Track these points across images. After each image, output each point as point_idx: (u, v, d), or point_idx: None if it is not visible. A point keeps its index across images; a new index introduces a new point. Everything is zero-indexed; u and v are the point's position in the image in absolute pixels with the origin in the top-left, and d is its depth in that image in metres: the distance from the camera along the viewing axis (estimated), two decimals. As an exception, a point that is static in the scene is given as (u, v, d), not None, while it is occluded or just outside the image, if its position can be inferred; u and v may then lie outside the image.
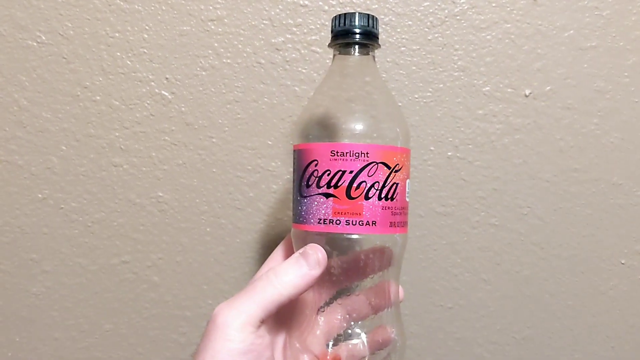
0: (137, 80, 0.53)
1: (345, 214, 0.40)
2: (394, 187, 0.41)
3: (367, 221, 0.40)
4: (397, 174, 0.41)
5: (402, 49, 0.54)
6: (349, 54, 0.42)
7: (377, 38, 0.43)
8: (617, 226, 0.56)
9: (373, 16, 0.42)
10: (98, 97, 0.53)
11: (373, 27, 0.42)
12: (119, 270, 0.54)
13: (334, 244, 0.40)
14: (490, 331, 0.56)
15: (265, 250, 0.54)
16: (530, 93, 0.55)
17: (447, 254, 0.56)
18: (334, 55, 0.43)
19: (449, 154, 0.55)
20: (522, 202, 0.55)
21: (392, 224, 0.41)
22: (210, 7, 0.53)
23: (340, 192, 0.40)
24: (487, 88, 0.54)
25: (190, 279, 0.55)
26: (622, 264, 0.57)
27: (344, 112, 0.42)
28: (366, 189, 0.40)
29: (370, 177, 0.40)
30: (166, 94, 0.53)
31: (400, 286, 0.44)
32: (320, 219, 0.40)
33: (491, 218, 0.55)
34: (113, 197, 0.54)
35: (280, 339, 0.41)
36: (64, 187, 0.54)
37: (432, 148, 0.54)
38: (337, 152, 0.39)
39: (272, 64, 0.53)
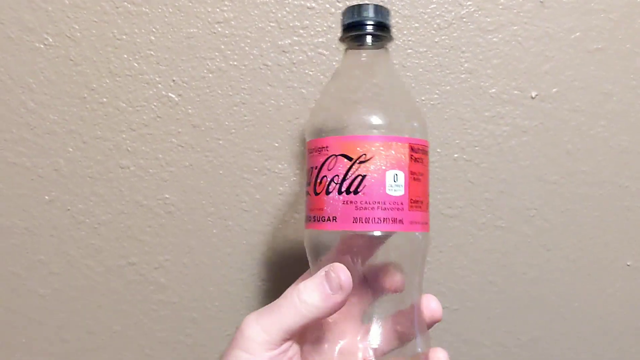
0: (144, 83, 0.53)
1: (314, 210, 0.40)
2: (357, 179, 0.38)
3: (328, 217, 0.39)
4: (362, 165, 0.38)
5: (409, 51, 0.54)
6: (361, 47, 0.41)
7: (390, 30, 0.42)
8: (623, 228, 0.56)
9: (385, 7, 0.41)
10: (105, 99, 0.53)
11: (386, 18, 0.41)
12: (126, 271, 0.54)
13: (313, 243, 0.40)
14: (497, 333, 0.57)
15: (272, 253, 0.54)
16: (537, 95, 0.55)
17: (453, 255, 0.56)
18: (345, 50, 0.42)
19: (456, 155, 0.55)
20: (529, 204, 0.55)
21: (356, 220, 0.38)
22: (217, 10, 0.53)
23: (311, 188, 0.40)
24: (494, 90, 0.54)
25: (197, 281, 0.55)
26: (628, 265, 0.57)
27: (323, 110, 0.42)
28: (327, 183, 0.39)
29: (329, 171, 0.39)
30: (173, 96, 0.53)
31: (433, 300, 0.42)
32: (305, 217, 0.41)
33: (498, 220, 0.55)
34: (120, 198, 0.54)
35: (312, 350, 0.41)
36: (71, 189, 0.54)
37: (438, 150, 0.54)
38: (310, 149, 0.40)
39: (279, 66, 0.53)
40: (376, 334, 0.39)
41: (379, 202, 0.38)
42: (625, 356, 0.57)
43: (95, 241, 0.54)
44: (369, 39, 0.41)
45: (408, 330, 0.40)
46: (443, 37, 0.54)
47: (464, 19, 0.54)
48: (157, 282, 0.55)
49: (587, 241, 0.56)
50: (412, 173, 0.39)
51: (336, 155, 0.39)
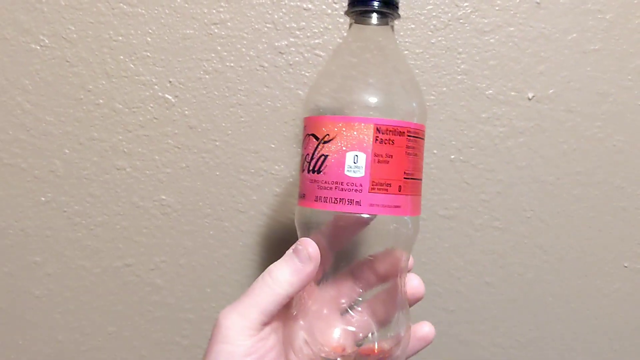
0: (140, 84, 0.53)
1: (299, 187, 0.41)
2: (321, 159, 0.39)
3: (302, 194, 0.40)
4: (325, 145, 0.38)
5: (405, 52, 0.54)
6: (366, 22, 0.41)
7: (398, 7, 0.41)
8: (620, 229, 0.56)
9: None
10: (101, 101, 0.53)
11: None
12: (122, 273, 0.54)
13: (297, 219, 0.42)
14: (494, 334, 0.56)
15: (268, 254, 0.54)
16: (534, 96, 0.55)
17: (450, 256, 0.56)
18: (350, 24, 0.42)
19: (452, 157, 0.55)
20: (525, 205, 0.55)
21: (317, 199, 0.39)
22: (214, 11, 0.53)
23: (299, 166, 0.41)
24: (491, 91, 0.54)
25: (193, 282, 0.55)
26: (625, 267, 0.57)
27: (310, 88, 0.42)
28: (302, 162, 0.40)
29: (305, 150, 0.40)
30: (169, 97, 0.53)
31: (415, 278, 0.42)
32: None
33: (494, 221, 0.55)
34: (116, 200, 0.54)
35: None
36: (67, 190, 0.54)
37: (435, 151, 0.54)
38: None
39: (275, 67, 0.53)
40: (355, 321, 0.40)
41: (337, 183, 0.38)
42: (622, 357, 0.57)
43: (91, 242, 0.54)
44: (374, 16, 0.41)
45: (387, 313, 0.40)
46: (439, 38, 0.54)
47: (460, 20, 0.54)
48: (153, 283, 0.54)
49: (583, 242, 0.56)
50: (376, 155, 0.38)
51: (308, 135, 0.40)
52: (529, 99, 0.55)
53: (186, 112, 0.53)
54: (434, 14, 0.54)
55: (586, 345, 0.57)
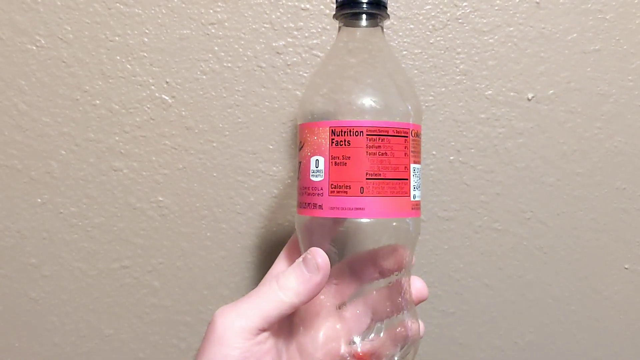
0: (137, 84, 0.53)
1: None
2: (299, 166, 0.39)
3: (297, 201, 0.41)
4: (300, 152, 0.39)
5: (404, 52, 0.53)
6: (355, 25, 0.40)
7: (386, 8, 0.40)
8: (620, 231, 0.56)
9: None
10: (98, 101, 0.53)
11: None
12: (119, 275, 0.54)
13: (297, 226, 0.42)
14: (493, 336, 0.56)
15: (266, 256, 0.54)
16: (533, 97, 0.54)
17: (449, 258, 0.55)
18: (339, 28, 0.41)
19: (451, 158, 0.54)
20: (525, 206, 0.55)
21: (299, 205, 0.40)
22: (211, 11, 0.53)
23: None
24: (490, 92, 0.54)
25: (190, 284, 0.54)
26: (626, 268, 0.56)
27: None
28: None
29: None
30: (166, 98, 0.53)
31: (418, 280, 0.42)
32: None
33: (494, 222, 0.55)
34: (113, 201, 0.53)
35: (289, 343, 0.40)
36: (63, 191, 0.53)
37: (434, 152, 0.54)
38: None
39: (273, 67, 0.53)
40: (355, 318, 0.39)
41: (305, 188, 0.39)
42: (622, 359, 0.57)
43: (88, 244, 0.54)
44: (363, 18, 0.40)
45: (388, 310, 0.39)
46: (438, 39, 0.54)
47: (459, 20, 0.54)
48: (151, 285, 0.54)
49: (583, 244, 0.56)
50: (332, 157, 0.38)
51: (298, 143, 0.40)
52: (529, 100, 0.54)
53: (183, 112, 0.53)
54: (433, 13, 0.53)
55: (586, 348, 0.57)
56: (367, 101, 0.39)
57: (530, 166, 0.55)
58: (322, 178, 0.38)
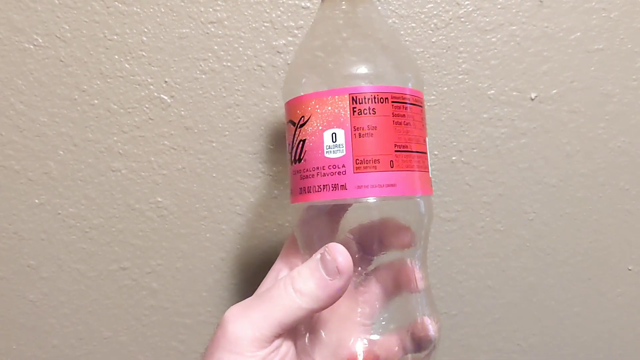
0: (135, 84, 0.52)
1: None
2: (299, 145, 0.34)
3: (290, 190, 0.36)
4: (302, 129, 0.34)
5: (406, 51, 0.53)
6: None
7: None
8: (624, 232, 0.55)
9: None
10: (96, 101, 0.52)
11: None
12: (118, 276, 0.53)
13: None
14: (496, 338, 0.56)
15: (266, 257, 0.53)
16: (536, 96, 0.54)
17: (451, 260, 0.55)
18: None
19: (454, 158, 0.54)
20: (527, 207, 0.54)
21: (302, 190, 0.34)
22: (210, 10, 0.52)
23: None
24: (492, 91, 0.53)
25: (190, 286, 0.54)
26: (630, 270, 0.56)
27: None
28: (287, 155, 0.36)
29: (287, 140, 0.36)
30: (165, 97, 0.52)
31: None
32: None
33: (496, 224, 0.55)
34: (112, 202, 0.53)
35: (303, 338, 0.37)
36: (61, 192, 0.53)
37: (436, 152, 0.54)
38: None
39: (273, 67, 0.52)
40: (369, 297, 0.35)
41: (318, 168, 0.34)
42: (626, 362, 0.56)
43: (86, 245, 0.53)
44: None
45: (402, 287, 0.36)
46: (440, 37, 0.53)
47: (462, 19, 0.53)
48: (149, 287, 0.54)
49: (587, 245, 0.55)
50: (355, 129, 0.33)
51: (287, 122, 0.36)
52: (532, 99, 0.54)
53: (182, 112, 0.53)
54: (435, 12, 0.53)
55: (590, 350, 0.56)
56: (390, 66, 0.35)
57: (533, 167, 0.54)
58: (344, 153, 0.33)
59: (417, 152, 0.35)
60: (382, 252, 0.36)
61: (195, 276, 0.54)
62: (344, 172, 0.33)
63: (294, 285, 0.32)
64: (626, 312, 0.56)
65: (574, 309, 0.56)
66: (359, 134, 0.33)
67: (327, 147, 0.33)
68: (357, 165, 0.33)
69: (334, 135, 0.33)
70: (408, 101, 0.34)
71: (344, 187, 0.33)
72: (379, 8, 0.38)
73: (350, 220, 0.35)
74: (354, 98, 0.33)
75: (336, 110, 0.33)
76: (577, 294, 0.55)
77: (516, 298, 0.55)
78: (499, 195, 0.54)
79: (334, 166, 0.33)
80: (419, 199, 0.35)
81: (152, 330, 0.54)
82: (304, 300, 0.32)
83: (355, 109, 0.33)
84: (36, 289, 0.53)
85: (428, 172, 0.36)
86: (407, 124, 0.34)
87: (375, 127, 0.33)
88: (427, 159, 0.36)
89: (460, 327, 0.55)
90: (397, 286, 0.36)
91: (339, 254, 0.32)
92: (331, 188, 0.33)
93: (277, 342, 0.33)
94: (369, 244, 0.35)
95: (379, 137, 0.33)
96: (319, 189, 0.33)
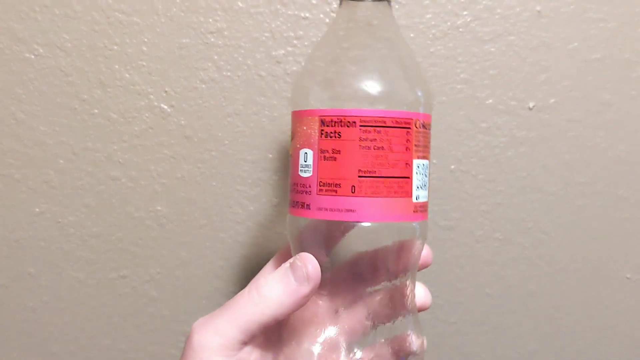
0: (135, 93, 0.52)
1: None
2: (289, 160, 0.36)
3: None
4: (291, 144, 0.35)
5: (405, 61, 0.53)
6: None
7: None
8: (623, 240, 0.55)
9: None
10: (96, 110, 0.52)
11: None
12: (117, 284, 0.54)
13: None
14: (495, 346, 0.56)
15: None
16: (535, 106, 0.54)
17: (450, 268, 0.55)
18: (340, 1, 0.37)
19: (452, 167, 0.54)
20: (526, 215, 0.55)
21: (291, 203, 0.35)
22: (210, 20, 0.52)
23: None
24: (491, 101, 0.54)
25: (189, 294, 0.54)
26: (628, 278, 0.56)
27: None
28: None
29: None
30: (165, 107, 0.53)
31: (421, 287, 0.40)
32: None
33: (495, 232, 0.55)
34: (111, 210, 0.53)
35: (279, 353, 0.37)
36: (61, 200, 0.53)
37: (434, 161, 0.54)
38: None
39: (273, 76, 0.53)
40: (353, 324, 0.36)
41: (294, 184, 0.35)
42: (624, 370, 0.56)
43: (85, 253, 0.53)
44: None
45: (390, 314, 0.36)
46: (439, 47, 0.53)
47: (460, 29, 0.53)
48: (149, 295, 0.54)
49: (585, 253, 0.55)
50: (322, 151, 0.33)
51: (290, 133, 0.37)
52: (530, 109, 0.54)
53: (182, 121, 0.53)
54: (433, 22, 0.53)
55: (588, 357, 0.56)
56: (361, 87, 0.34)
57: (532, 175, 0.54)
58: (311, 174, 0.34)
59: (392, 177, 0.34)
60: (376, 281, 0.36)
61: (194, 284, 0.54)
62: (309, 192, 0.34)
63: (259, 291, 0.33)
64: (625, 319, 0.56)
65: (572, 316, 0.56)
66: (324, 157, 0.34)
67: (301, 166, 0.34)
68: (320, 187, 0.34)
69: (305, 154, 0.34)
70: (383, 124, 0.34)
71: (308, 206, 0.34)
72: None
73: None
74: (323, 120, 0.34)
75: (309, 130, 0.34)
76: (575, 302, 0.56)
77: (515, 306, 0.55)
78: (498, 204, 0.54)
79: (303, 185, 0.34)
80: (386, 226, 0.35)
81: (152, 338, 0.54)
82: (268, 305, 0.32)
83: (322, 132, 0.34)
84: (36, 297, 0.53)
85: (410, 197, 0.35)
86: (379, 148, 0.33)
87: (339, 150, 0.33)
88: (409, 183, 0.35)
89: (459, 335, 0.55)
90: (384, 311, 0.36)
91: (309, 262, 0.33)
92: (300, 205, 0.34)
93: (246, 349, 0.33)
94: (362, 273, 0.36)
95: (341, 161, 0.33)
96: (294, 205, 0.35)
